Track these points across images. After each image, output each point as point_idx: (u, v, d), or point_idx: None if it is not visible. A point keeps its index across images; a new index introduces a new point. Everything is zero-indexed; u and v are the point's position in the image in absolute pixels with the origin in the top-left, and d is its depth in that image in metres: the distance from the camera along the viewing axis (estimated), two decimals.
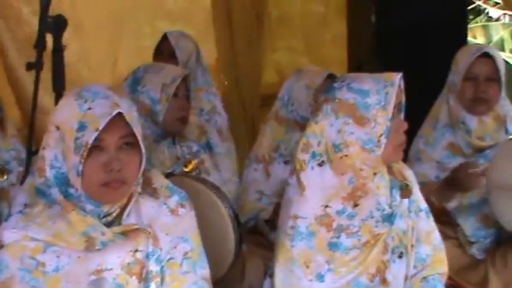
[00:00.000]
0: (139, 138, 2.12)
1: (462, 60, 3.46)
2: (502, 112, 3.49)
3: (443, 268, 2.61)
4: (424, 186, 2.78)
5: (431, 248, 2.58)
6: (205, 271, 2.27)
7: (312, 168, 2.44)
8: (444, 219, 3.23)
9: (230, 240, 2.71)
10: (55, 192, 2.13)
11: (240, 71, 5.26)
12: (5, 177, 3.14)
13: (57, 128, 2.11)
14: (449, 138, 3.47)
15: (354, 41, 5.30)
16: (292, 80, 3.60)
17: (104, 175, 2.09)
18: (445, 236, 3.18)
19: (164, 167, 3.18)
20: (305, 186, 2.44)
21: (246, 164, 3.63)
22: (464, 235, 3.36)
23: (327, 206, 2.42)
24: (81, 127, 2.06)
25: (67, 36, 3.16)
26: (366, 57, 5.17)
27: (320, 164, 2.43)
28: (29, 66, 3.13)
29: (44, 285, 2.10)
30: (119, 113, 2.07)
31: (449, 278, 3.10)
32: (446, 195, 3.31)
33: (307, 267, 2.42)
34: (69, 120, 2.08)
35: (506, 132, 3.47)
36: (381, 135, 2.39)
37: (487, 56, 3.43)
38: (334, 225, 2.42)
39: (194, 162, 3.27)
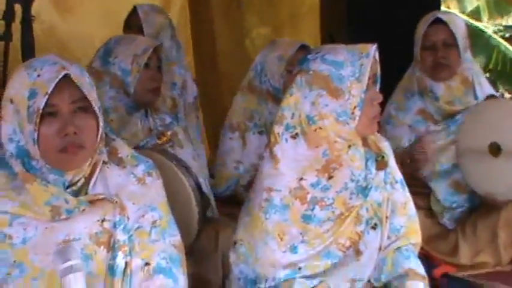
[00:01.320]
0: (93, 102, 2.11)
1: (419, 30, 3.49)
2: (469, 75, 3.50)
3: (417, 238, 2.63)
4: (397, 152, 2.80)
5: (406, 219, 2.60)
6: (174, 238, 2.26)
7: (286, 140, 2.43)
8: (415, 190, 3.26)
9: (193, 208, 2.78)
10: (16, 164, 2.12)
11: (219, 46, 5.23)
12: None
13: (11, 101, 2.11)
14: (420, 105, 3.50)
15: (326, 12, 5.28)
16: (265, 51, 3.62)
17: (59, 141, 2.08)
18: (416, 206, 3.22)
19: (137, 139, 3.17)
20: (279, 159, 2.44)
21: (221, 133, 3.63)
22: (436, 203, 3.39)
23: (301, 179, 2.43)
24: (32, 94, 2.06)
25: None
26: (338, 27, 5.15)
27: (294, 136, 2.43)
28: None
29: (12, 257, 2.10)
30: (69, 78, 2.06)
31: (420, 247, 3.15)
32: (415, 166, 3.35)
33: (281, 239, 2.43)
34: (21, 91, 2.08)
35: (475, 95, 3.49)
36: (355, 107, 2.37)
37: (440, 22, 3.45)
38: (309, 197, 2.43)
39: (167, 134, 3.26)
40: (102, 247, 2.14)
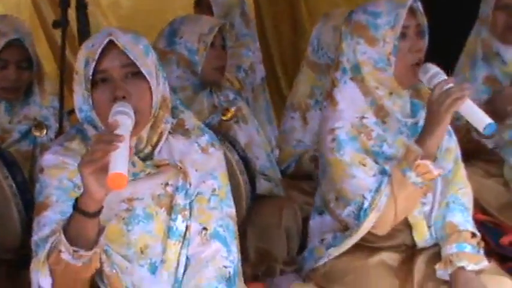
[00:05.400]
0: (143, 67, 2.11)
1: None
2: None
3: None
4: (457, 125, 2.71)
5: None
6: (230, 209, 2.27)
7: (345, 82, 2.50)
8: (487, 157, 3.14)
9: (239, 183, 2.82)
10: (89, 129, 2.17)
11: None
12: (45, 132, 3.19)
13: (76, 73, 2.17)
14: (485, 72, 3.34)
15: None
16: (320, 24, 3.58)
17: (111, 105, 2.09)
18: (488, 174, 3.10)
19: (202, 117, 3.18)
20: (338, 101, 2.49)
21: (284, 113, 3.63)
22: (509, 171, 3.26)
23: (362, 117, 2.46)
24: (86, 63, 2.12)
25: None
26: None
27: (352, 79, 2.50)
28: (55, 24, 3.21)
29: None
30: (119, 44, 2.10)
31: (491, 215, 3.05)
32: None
33: (364, 165, 2.43)
34: (80, 62, 2.14)
35: None
36: (389, 53, 2.43)
37: None
38: (374, 134, 2.46)
39: (232, 110, 3.28)
40: (163, 208, 2.18)
